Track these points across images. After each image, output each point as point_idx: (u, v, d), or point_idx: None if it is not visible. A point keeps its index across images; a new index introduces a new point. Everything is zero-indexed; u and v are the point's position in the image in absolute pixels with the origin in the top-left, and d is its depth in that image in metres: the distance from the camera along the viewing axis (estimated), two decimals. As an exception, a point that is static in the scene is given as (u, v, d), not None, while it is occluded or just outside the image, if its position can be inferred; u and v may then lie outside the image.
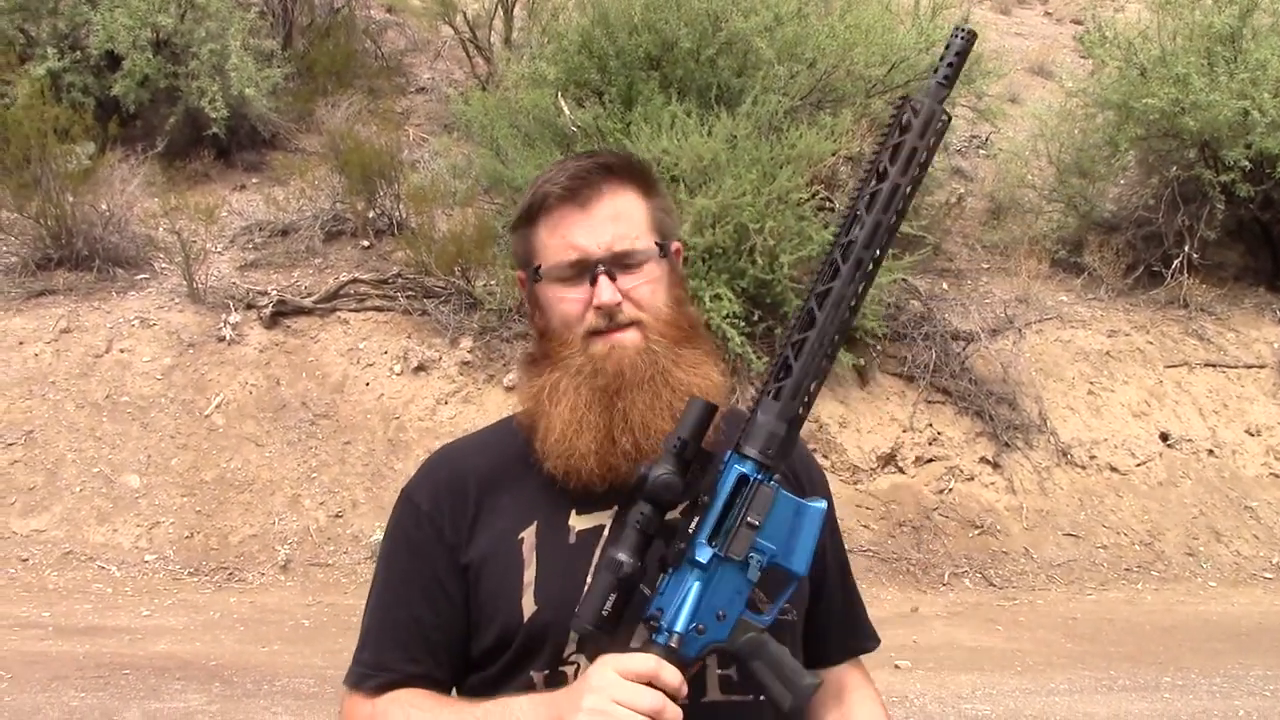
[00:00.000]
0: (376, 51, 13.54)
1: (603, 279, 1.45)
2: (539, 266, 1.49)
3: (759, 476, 1.35)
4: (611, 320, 1.46)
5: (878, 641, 1.69)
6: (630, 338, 1.46)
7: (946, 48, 1.38)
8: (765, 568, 1.36)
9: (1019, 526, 9.16)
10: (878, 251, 1.35)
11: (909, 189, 1.35)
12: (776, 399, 1.36)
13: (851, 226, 1.35)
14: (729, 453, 1.37)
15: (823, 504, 1.39)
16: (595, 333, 1.46)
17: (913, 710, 5.92)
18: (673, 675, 1.30)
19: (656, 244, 1.50)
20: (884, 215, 1.33)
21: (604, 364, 1.45)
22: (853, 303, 1.36)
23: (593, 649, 1.38)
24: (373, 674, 1.51)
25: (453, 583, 1.49)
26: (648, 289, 1.48)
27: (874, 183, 1.34)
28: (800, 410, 1.36)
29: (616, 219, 1.47)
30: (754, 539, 1.34)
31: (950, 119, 1.38)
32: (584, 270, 1.46)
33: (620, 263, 1.46)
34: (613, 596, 1.33)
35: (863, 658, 1.69)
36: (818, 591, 1.60)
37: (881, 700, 1.64)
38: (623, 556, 1.33)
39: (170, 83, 10.81)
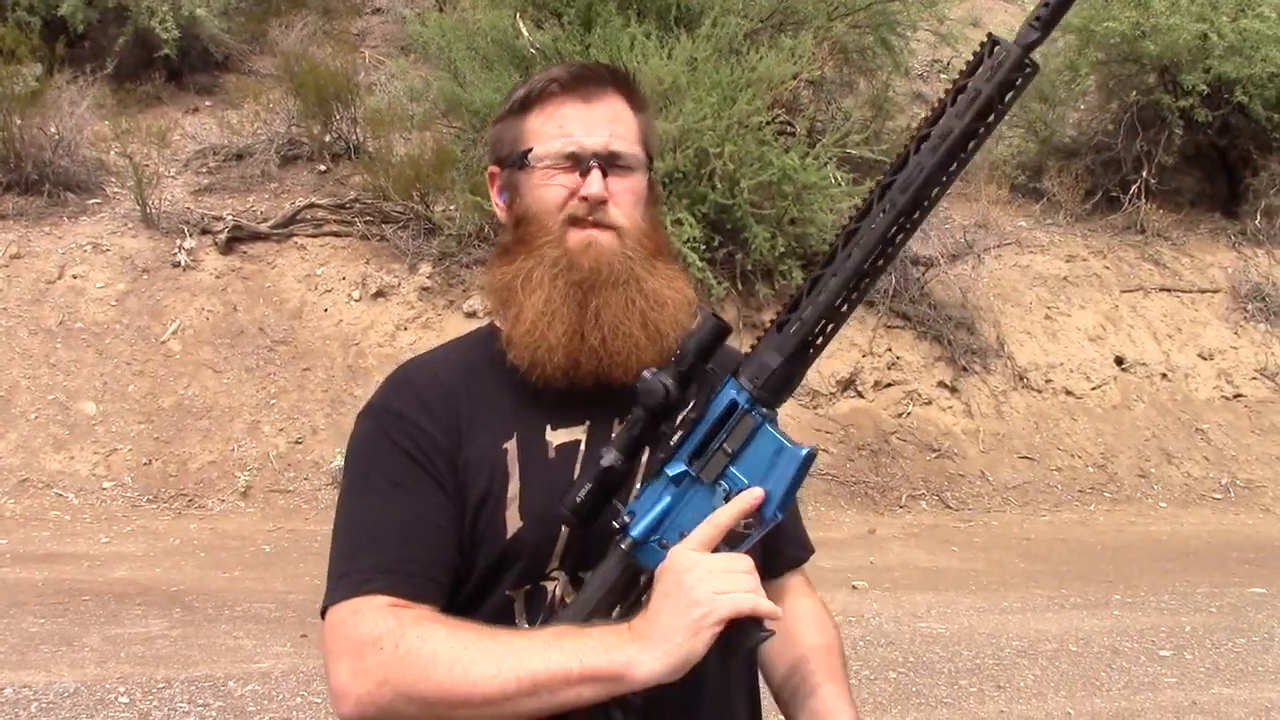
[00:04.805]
0: (331, -30, 13.23)
1: (595, 171, 1.43)
2: (528, 150, 1.46)
3: (748, 407, 1.33)
4: (593, 213, 1.44)
5: (812, 551, 1.69)
6: (607, 238, 1.45)
7: None
8: (730, 497, 1.32)
9: (976, 449, 9.29)
10: (917, 198, 1.27)
11: (969, 140, 1.26)
12: (779, 332, 1.35)
13: (901, 168, 1.28)
14: (728, 377, 1.35)
15: (805, 448, 1.33)
16: (575, 221, 1.45)
17: (869, 629, 6.02)
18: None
19: (645, 157, 1.50)
20: (929, 159, 1.26)
21: (580, 258, 1.43)
22: (883, 247, 1.30)
23: (571, 565, 1.38)
24: (373, 577, 1.35)
25: (451, 483, 1.42)
26: (631, 198, 1.47)
27: (926, 125, 1.27)
28: (804, 348, 1.35)
29: (615, 120, 1.47)
30: (726, 466, 1.32)
31: (1036, 69, 1.26)
32: (576, 162, 1.45)
33: (613, 162, 1.45)
34: (587, 487, 1.32)
35: (821, 578, 1.70)
36: None
37: (823, 605, 1.65)
38: (607, 452, 1.32)
39: (119, 2, 10.52)
